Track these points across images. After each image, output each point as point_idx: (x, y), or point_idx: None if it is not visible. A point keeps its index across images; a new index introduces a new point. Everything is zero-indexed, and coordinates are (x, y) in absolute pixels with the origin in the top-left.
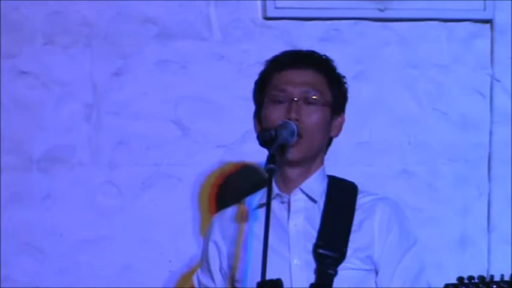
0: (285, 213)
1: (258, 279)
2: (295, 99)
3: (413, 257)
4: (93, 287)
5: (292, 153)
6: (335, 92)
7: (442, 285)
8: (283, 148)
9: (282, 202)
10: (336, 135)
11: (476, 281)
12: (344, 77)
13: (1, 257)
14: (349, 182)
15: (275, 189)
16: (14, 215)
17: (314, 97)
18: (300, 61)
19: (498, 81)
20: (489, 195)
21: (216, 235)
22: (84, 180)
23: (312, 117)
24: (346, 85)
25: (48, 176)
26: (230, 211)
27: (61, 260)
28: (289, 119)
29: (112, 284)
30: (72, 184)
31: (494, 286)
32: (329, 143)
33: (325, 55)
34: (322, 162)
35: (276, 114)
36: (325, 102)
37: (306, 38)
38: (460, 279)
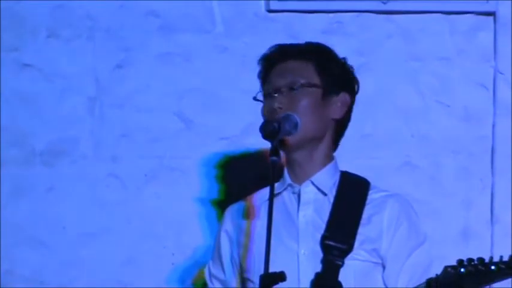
0: (295, 204)
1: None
2: (281, 89)
3: (422, 255)
4: (96, 279)
5: (288, 139)
6: (323, 74)
7: None
8: (283, 141)
9: (293, 192)
10: (339, 116)
11: (475, 262)
12: (343, 58)
13: (4, 250)
14: (362, 178)
15: (287, 180)
16: (17, 208)
17: (299, 82)
18: (283, 54)
19: (501, 73)
20: (492, 187)
21: (228, 225)
22: (87, 173)
23: (300, 101)
24: (340, 63)
25: (51, 169)
26: (242, 203)
27: (64, 253)
28: (275, 109)
29: (115, 277)
30: (75, 177)
31: (493, 267)
32: (341, 126)
33: (316, 42)
34: (332, 154)
35: (266, 107)
36: (311, 85)
37: (308, 30)
38: (460, 261)
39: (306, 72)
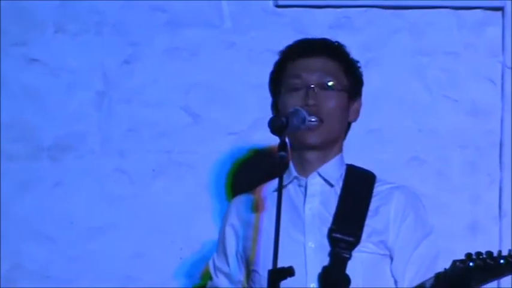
0: (301, 196)
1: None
2: (312, 85)
3: (429, 246)
4: (103, 274)
5: (314, 138)
6: (350, 77)
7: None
8: (298, 134)
9: (300, 185)
10: (354, 120)
11: (484, 256)
12: (358, 61)
13: (11, 244)
14: (368, 170)
15: (293, 172)
16: (24, 203)
17: (330, 83)
18: (313, 49)
19: (509, 68)
20: (500, 182)
21: (233, 218)
22: (94, 168)
23: (330, 102)
24: (360, 69)
25: (59, 163)
26: (247, 196)
27: (71, 248)
28: (308, 106)
29: (122, 271)
30: (82, 172)
31: (502, 261)
32: (348, 128)
33: (337, 41)
34: (340, 149)
35: (293, 102)
36: (342, 88)
37: (316, 25)
38: (468, 255)
39: (337, 72)
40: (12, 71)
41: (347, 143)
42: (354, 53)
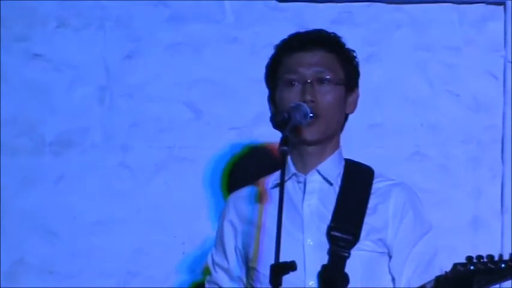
0: (300, 193)
1: (271, 258)
2: (309, 80)
3: (427, 243)
4: (106, 269)
5: (311, 133)
6: (347, 69)
7: None
8: (297, 129)
9: (298, 182)
10: (352, 112)
11: (485, 260)
12: (354, 51)
13: (14, 239)
14: (366, 166)
15: (292, 169)
16: (27, 198)
17: (327, 77)
18: (309, 43)
19: (511, 62)
20: (502, 177)
21: (232, 214)
22: (97, 163)
23: (327, 97)
24: (356, 59)
25: (61, 158)
26: (245, 191)
27: (74, 243)
28: (305, 101)
29: (125, 266)
30: (85, 167)
31: (503, 265)
32: (345, 120)
33: (333, 33)
34: (338, 143)
35: (290, 97)
36: (339, 81)
37: (318, 20)
38: (469, 258)
39: (333, 66)
40: (14, 66)
41: (349, 137)
42: (356, 48)
